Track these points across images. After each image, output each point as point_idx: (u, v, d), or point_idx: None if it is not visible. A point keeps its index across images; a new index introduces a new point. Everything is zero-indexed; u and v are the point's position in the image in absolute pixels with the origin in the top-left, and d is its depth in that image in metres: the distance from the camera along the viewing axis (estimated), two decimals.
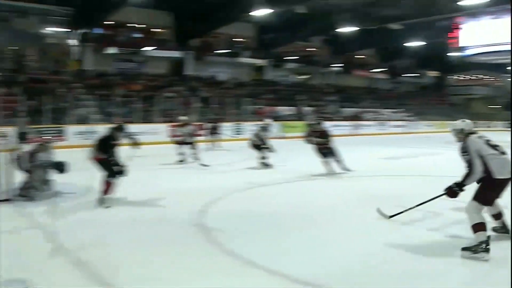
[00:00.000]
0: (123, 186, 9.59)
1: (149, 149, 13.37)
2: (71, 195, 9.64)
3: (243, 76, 37.28)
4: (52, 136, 20.93)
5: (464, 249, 5.76)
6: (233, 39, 37.13)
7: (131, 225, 7.34)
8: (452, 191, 6.07)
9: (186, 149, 15.15)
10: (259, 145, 14.36)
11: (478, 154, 5.80)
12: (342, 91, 41.94)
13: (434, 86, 53.66)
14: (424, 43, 37.47)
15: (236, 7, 28.61)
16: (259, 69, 37.91)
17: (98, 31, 30.46)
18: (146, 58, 32.43)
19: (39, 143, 10.09)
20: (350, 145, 19.55)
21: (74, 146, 20.80)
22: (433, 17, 30.19)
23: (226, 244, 6.19)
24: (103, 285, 4.93)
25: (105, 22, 30.40)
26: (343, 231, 6.98)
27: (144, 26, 33.40)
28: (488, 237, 5.69)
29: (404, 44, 39.09)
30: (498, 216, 6.44)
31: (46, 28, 29.43)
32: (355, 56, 45.58)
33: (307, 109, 33.79)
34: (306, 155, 13.22)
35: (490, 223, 6.33)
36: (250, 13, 28.25)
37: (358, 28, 32.35)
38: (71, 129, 22.50)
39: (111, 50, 30.26)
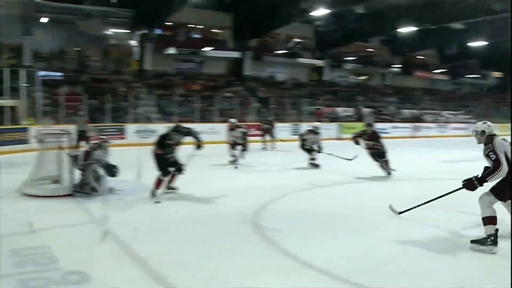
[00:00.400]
0: (181, 184, 9.81)
1: (208, 149, 13.34)
2: (127, 192, 9.75)
3: (301, 77, 36.95)
4: (112, 134, 21.23)
5: (473, 241, 5.96)
6: (292, 40, 36.85)
7: (188, 222, 7.34)
8: (472, 183, 6.03)
9: (238, 150, 15.01)
10: (307, 146, 14.32)
11: (505, 155, 5.91)
12: (401, 92, 40.99)
13: (498, 87, 51.72)
14: (487, 42, 36.04)
15: (294, 7, 28.34)
16: (317, 69, 37.47)
17: (158, 32, 30.74)
18: (205, 58, 32.56)
19: (96, 141, 10.16)
20: (408, 147, 19.05)
21: (133, 144, 21.06)
22: (496, 15, 29.00)
23: (281, 244, 6.08)
24: (159, 281, 4.90)
25: (164, 23, 30.66)
26: (396, 234, 6.70)
27: (203, 26, 33.54)
28: (496, 230, 5.83)
29: (467, 44, 37.74)
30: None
31: (108, 30, 29.99)
32: (415, 57, 44.44)
33: (365, 110, 33.16)
34: (364, 157, 12.87)
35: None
36: (308, 13, 27.95)
37: (418, 28, 31.48)
38: (131, 128, 22.75)
39: (171, 51, 30.51)
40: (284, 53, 35.62)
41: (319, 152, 14.29)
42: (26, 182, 9.88)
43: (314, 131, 14.67)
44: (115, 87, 27.03)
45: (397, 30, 32.09)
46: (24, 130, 19.08)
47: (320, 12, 26.80)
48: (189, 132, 10.08)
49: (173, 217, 7.74)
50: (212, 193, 9.62)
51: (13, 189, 9.73)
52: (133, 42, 30.51)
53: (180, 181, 10.17)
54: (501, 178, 5.91)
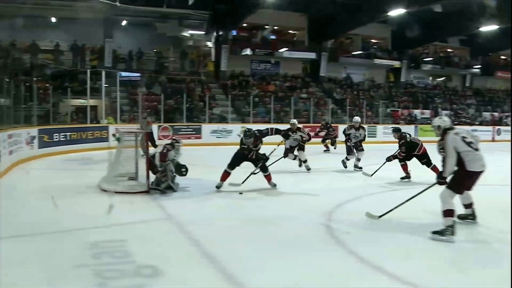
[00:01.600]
0: (253, 185, 9.98)
1: (282, 149, 13.29)
2: (202, 190, 9.81)
3: (378, 78, 36.25)
4: (188, 134, 21.54)
5: (433, 232, 6.41)
6: (368, 40, 36.22)
7: (259, 223, 7.28)
8: (439, 182, 6.74)
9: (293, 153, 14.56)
10: (351, 144, 14.05)
11: (455, 150, 6.45)
12: (482, 94, 39.47)
13: None
14: None
15: (371, 8, 27.81)
16: (394, 70, 36.61)
17: (234, 33, 30.95)
18: (281, 59, 32.46)
19: (169, 142, 10.35)
20: (489, 152, 18.21)
21: (209, 144, 21.30)
22: None
23: (353, 247, 5.89)
24: (228, 279, 4.87)
25: (241, 25, 30.84)
26: (475, 240, 6.54)
27: (279, 27, 33.49)
28: (454, 221, 6.39)
29: None
30: (469, 205, 7.25)
31: (185, 31, 30.47)
32: (497, 57, 42.56)
33: (444, 112, 32.13)
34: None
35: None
36: (385, 14, 27.35)
37: (500, 27, 30.10)
38: (207, 128, 23.00)
39: (247, 52, 30.61)
40: (361, 54, 35.05)
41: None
42: (104, 178, 10.13)
43: (355, 126, 14.33)
44: (191, 87, 27.41)
45: (478, 29, 30.86)
46: (104, 128, 19.63)
47: (397, 12, 26.14)
48: (255, 135, 10.38)
49: (245, 216, 7.70)
50: (285, 195, 9.63)
51: (93, 184, 10.05)
52: (210, 44, 30.84)
53: (252, 183, 10.18)
54: (456, 174, 6.57)
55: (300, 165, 13.64)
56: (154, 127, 21.41)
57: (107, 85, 22.33)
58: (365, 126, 13.23)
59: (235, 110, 26.42)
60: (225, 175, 9.91)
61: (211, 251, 5.66)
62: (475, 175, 6.55)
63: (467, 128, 10.84)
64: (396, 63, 35.55)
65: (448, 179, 6.60)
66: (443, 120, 7.04)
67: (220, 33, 29.70)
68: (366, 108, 29.87)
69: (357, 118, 14.76)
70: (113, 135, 13.99)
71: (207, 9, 27.37)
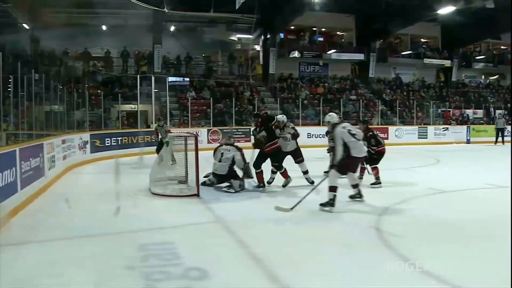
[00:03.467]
0: (303, 186, 10.01)
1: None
2: (249, 193, 9.82)
3: (428, 78, 35.55)
4: (237, 137, 21.60)
5: (320, 204, 8.08)
6: (418, 40, 35.57)
7: (308, 224, 7.23)
8: (331, 166, 8.37)
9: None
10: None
11: (342, 140, 8.11)
12: None
13: None
14: None
15: (419, 6, 27.30)
16: (445, 70, 35.83)
17: (281, 36, 30.94)
18: (329, 61, 32.26)
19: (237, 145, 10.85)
20: None
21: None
22: None
23: (402, 250, 5.75)
24: (275, 281, 4.82)
25: (288, 27, 30.81)
26: None
27: (326, 29, 33.30)
28: (335, 196, 8.02)
29: None
30: (355, 186, 8.78)
31: (233, 35, 30.63)
32: None
33: (498, 112, 31.26)
34: (496, 163, 11.94)
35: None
36: (434, 12, 26.81)
37: None
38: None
39: (295, 54, 30.54)
40: (410, 53, 34.48)
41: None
42: (154, 181, 10.23)
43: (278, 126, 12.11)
44: (240, 91, 27.52)
45: None
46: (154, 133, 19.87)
47: (447, 9, 25.59)
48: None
49: (294, 219, 7.57)
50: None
51: (143, 188, 10.15)
52: (258, 47, 30.91)
53: (301, 184, 10.13)
54: (342, 159, 8.12)
55: (284, 185, 10.77)
56: (204, 131, 21.59)
57: (156, 90, 22.64)
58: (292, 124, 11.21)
59: (284, 113, 26.34)
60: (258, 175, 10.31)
61: (259, 253, 5.64)
62: (357, 160, 8.47)
63: None
64: (447, 62, 34.79)
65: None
66: (332, 116, 8.76)
67: (268, 36, 29.73)
68: (417, 109, 29.36)
69: (279, 116, 11.61)
70: (162, 138, 14.16)
71: (254, 13, 27.42)
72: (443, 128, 28.20)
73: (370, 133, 11.10)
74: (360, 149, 8.28)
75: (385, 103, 30.28)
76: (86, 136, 16.01)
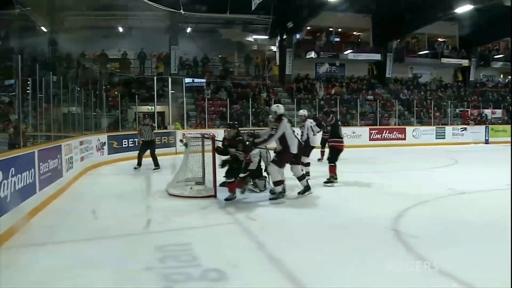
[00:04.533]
0: (320, 189, 9.94)
1: (350, 152, 13.06)
2: (266, 195, 9.71)
3: (446, 77, 35.25)
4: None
5: (271, 198, 8.98)
6: (435, 39, 35.28)
7: (326, 227, 7.16)
8: (248, 146, 9.09)
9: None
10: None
11: (283, 133, 8.75)
12: None
13: None
14: None
15: (437, 6, 27.09)
16: (463, 69, 35.50)
17: (298, 36, 30.88)
18: (346, 61, 32.15)
19: None
20: None
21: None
22: None
23: (422, 252, 5.67)
24: (294, 283, 4.80)
25: (304, 28, 30.73)
26: None
27: (343, 29, 33.18)
28: (283, 188, 9.03)
29: None
30: (301, 178, 9.40)
31: (249, 36, 30.64)
32: None
33: None
34: None
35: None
36: (452, 11, 26.58)
37: None
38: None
39: (311, 55, 30.47)
40: (427, 53, 34.23)
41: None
42: (172, 183, 10.24)
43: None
44: (256, 92, 27.50)
45: None
46: (171, 134, 19.92)
47: (465, 8, 25.36)
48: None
49: (312, 221, 7.58)
50: (351, 199, 9.46)
51: (161, 189, 10.17)
52: (274, 48, 30.89)
53: (319, 186, 10.09)
54: (280, 153, 8.92)
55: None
56: (221, 132, 21.57)
57: (173, 91, 22.70)
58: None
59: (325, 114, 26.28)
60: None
61: (278, 255, 5.60)
62: (292, 155, 8.97)
63: None
64: (465, 62, 34.45)
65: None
66: (280, 107, 9.16)
67: (284, 37, 29.70)
68: (434, 109, 29.16)
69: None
70: (180, 140, 14.15)
71: (271, 14, 27.41)
72: (461, 128, 27.97)
73: (333, 122, 11.79)
74: (296, 146, 8.97)
75: (402, 103, 30.08)
76: (103, 137, 16.08)
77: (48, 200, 8.79)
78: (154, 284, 4.73)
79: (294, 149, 8.88)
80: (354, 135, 24.90)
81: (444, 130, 27.38)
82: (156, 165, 14.35)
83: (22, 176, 7.02)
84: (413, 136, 26.24)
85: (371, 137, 25.51)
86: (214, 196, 9.38)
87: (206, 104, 23.73)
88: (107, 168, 14.44)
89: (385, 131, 25.97)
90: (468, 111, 30.66)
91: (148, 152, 14.46)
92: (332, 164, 11.07)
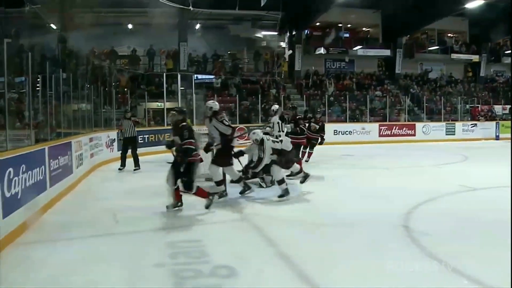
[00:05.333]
0: (330, 184, 10.18)
1: (359, 149, 13.04)
2: (276, 191, 9.67)
3: (456, 73, 35.06)
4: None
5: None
6: (445, 35, 35.09)
7: (336, 224, 7.10)
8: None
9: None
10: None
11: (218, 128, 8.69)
12: None
13: None
14: None
15: (447, 1, 26.95)
16: (473, 65, 35.29)
17: (307, 32, 30.83)
18: (355, 57, 32.07)
19: None
20: None
21: None
22: None
23: (432, 249, 5.65)
24: (304, 280, 4.78)
25: (313, 24, 30.67)
26: None
27: (352, 25, 33.08)
28: (225, 188, 9.04)
29: None
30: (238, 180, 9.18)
31: (258, 33, 30.59)
32: None
33: None
34: None
35: None
36: (462, 6, 26.43)
37: None
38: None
39: (320, 51, 30.41)
40: (437, 49, 34.07)
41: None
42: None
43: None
44: (266, 88, 27.50)
45: None
46: None
47: (475, 3, 25.22)
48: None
49: (322, 218, 7.56)
50: (361, 196, 9.41)
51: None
52: (283, 44, 30.84)
53: (328, 182, 10.05)
54: (220, 152, 8.87)
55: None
56: None
57: (182, 88, 22.71)
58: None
59: (311, 110, 26.26)
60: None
61: (288, 252, 5.60)
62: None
63: None
64: (475, 57, 34.26)
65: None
66: (215, 104, 9.00)
67: (293, 33, 29.64)
68: (444, 105, 29.01)
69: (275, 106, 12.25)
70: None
71: (280, 10, 27.39)
72: (471, 124, 27.84)
73: (293, 121, 12.12)
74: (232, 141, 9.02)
75: (412, 99, 29.97)
76: (113, 134, 16.10)
77: (59, 196, 8.83)
78: (164, 280, 4.74)
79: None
80: (364, 131, 24.86)
81: (454, 126, 27.26)
82: (137, 165, 13.58)
83: (33, 173, 7.06)
84: (423, 132, 26.16)
85: (381, 133, 25.44)
86: (223, 192, 9.35)
87: (216, 100, 23.65)
88: (117, 165, 14.46)
89: (394, 127, 25.91)
90: (478, 107, 30.49)
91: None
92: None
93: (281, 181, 8.86)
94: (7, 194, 5.88)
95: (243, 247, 5.90)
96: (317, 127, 14.41)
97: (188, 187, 7.82)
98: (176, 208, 7.95)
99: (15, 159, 6.31)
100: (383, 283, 4.66)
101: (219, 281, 4.71)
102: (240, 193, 9.21)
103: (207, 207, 7.95)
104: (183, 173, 7.74)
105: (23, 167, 6.55)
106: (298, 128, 12.00)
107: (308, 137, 14.02)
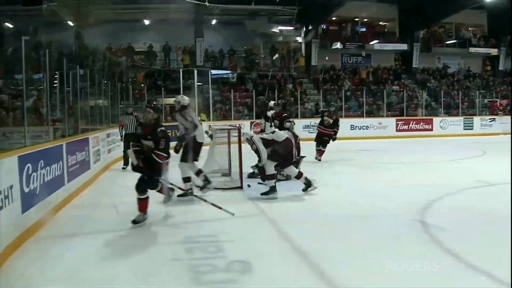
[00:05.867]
0: (346, 180, 10.21)
1: (375, 144, 12.97)
2: (292, 186, 9.68)
3: (474, 67, 34.69)
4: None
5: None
6: (463, 28, 34.72)
7: (353, 219, 7.10)
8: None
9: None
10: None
11: (193, 121, 8.68)
12: None
13: None
14: None
15: None
16: (492, 58, 34.90)
17: (323, 27, 30.72)
18: (372, 51, 31.87)
19: None
20: None
21: (301, 139, 21.21)
22: None
23: (449, 245, 5.60)
24: (320, 276, 4.76)
25: (330, 18, 30.53)
26: None
27: (369, 19, 32.88)
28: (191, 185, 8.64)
29: None
30: (198, 172, 8.78)
31: (275, 27, 30.56)
32: None
33: None
34: None
35: None
36: None
37: None
38: (299, 123, 22.89)
39: (337, 45, 30.28)
40: (455, 42, 33.74)
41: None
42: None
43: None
44: (282, 83, 27.47)
45: None
46: None
47: None
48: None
49: (337, 213, 7.54)
50: (376, 191, 9.37)
51: None
52: (299, 39, 30.76)
53: (344, 178, 10.04)
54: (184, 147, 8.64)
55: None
56: (247, 124, 21.61)
57: (200, 83, 22.78)
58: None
59: (327, 105, 26.21)
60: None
61: (303, 247, 5.60)
62: (201, 145, 8.77)
63: None
64: (493, 51, 33.87)
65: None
66: (184, 98, 9.01)
67: (310, 27, 29.55)
68: (462, 99, 28.75)
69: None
70: (206, 132, 14.14)
71: (296, 4, 27.34)
72: (490, 118, 27.57)
73: (278, 118, 11.67)
74: (203, 135, 8.92)
75: (429, 93, 29.75)
76: None
77: (76, 192, 8.91)
78: (181, 274, 4.77)
79: (200, 138, 8.74)
80: (381, 126, 24.73)
81: (472, 120, 27.00)
82: (126, 164, 12.43)
83: (50, 169, 7.12)
84: (440, 127, 25.97)
85: (398, 128, 25.30)
86: (240, 187, 9.43)
87: (232, 96, 23.73)
88: None
89: (412, 122, 25.75)
90: (497, 101, 30.14)
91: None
92: None
93: (270, 177, 8.63)
94: (26, 190, 5.95)
95: (258, 242, 5.92)
96: (331, 121, 13.76)
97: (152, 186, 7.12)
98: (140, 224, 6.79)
99: (33, 155, 6.38)
100: (400, 280, 4.62)
101: (234, 276, 4.72)
102: (200, 188, 8.74)
103: (165, 202, 7.84)
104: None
105: (41, 163, 6.61)
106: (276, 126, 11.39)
107: (320, 133, 13.88)
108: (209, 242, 5.84)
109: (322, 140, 13.79)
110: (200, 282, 4.63)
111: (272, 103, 12.36)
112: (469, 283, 4.56)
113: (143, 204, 6.88)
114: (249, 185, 9.48)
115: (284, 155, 8.79)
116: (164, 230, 6.57)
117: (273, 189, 8.53)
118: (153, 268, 5.00)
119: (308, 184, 8.87)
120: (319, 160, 13.62)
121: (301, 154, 10.74)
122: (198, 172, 8.73)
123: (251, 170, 10.58)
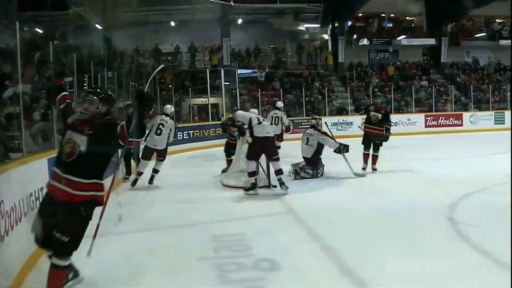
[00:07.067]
0: (373, 176, 10.38)
1: (405, 140, 12.84)
2: (320, 183, 9.69)
3: (504, 60, 34.04)
4: (308, 127, 21.48)
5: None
6: (492, 21, 34.17)
7: (379, 215, 7.11)
8: None
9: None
10: None
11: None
12: None
13: None
14: None
15: None
16: None
17: (349, 23, 30.56)
18: (399, 47, 31.59)
19: None
20: None
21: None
22: None
23: (478, 241, 5.56)
24: (346, 273, 4.77)
25: (356, 15, 30.35)
26: None
27: (395, 15, 32.57)
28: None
29: None
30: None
31: (301, 25, 30.50)
32: None
33: None
34: None
35: None
36: None
37: None
38: (327, 121, 22.82)
39: (364, 42, 30.09)
40: (484, 35, 33.22)
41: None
42: (226, 174, 10.36)
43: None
44: (310, 81, 27.40)
45: None
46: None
47: None
48: None
49: (366, 210, 7.52)
50: (404, 187, 9.35)
51: (215, 180, 10.27)
52: (326, 36, 30.66)
53: (372, 174, 10.00)
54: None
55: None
56: None
57: (227, 83, 22.87)
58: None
59: (355, 102, 26.07)
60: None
61: (332, 244, 5.60)
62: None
63: None
64: None
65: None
66: (170, 107, 10.45)
67: (336, 24, 29.42)
68: (493, 93, 28.29)
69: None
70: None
71: (321, 2, 27.25)
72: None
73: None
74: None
75: (458, 88, 29.34)
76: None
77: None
78: (208, 273, 4.81)
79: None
80: (409, 122, 24.47)
81: (503, 115, 26.47)
82: (129, 173, 11.31)
83: None
84: (470, 122, 25.56)
85: (427, 124, 25.00)
86: (268, 186, 9.42)
87: (260, 95, 23.74)
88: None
89: (441, 117, 25.41)
90: None
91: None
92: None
93: (251, 174, 8.82)
94: None
95: (286, 240, 5.92)
96: (379, 116, 11.06)
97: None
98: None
99: None
100: (426, 278, 4.56)
101: (261, 274, 4.74)
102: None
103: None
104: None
105: None
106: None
107: (368, 133, 11.28)
108: (236, 241, 5.86)
109: (374, 144, 11.09)
110: (227, 280, 4.65)
111: (279, 103, 12.58)
112: (498, 280, 4.48)
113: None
114: (274, 186, 9.46)
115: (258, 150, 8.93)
116: (192, 229, 6.63)
117: (253, 186, 8.78)
118: (179, 266, 5.06)
119: (252, 187, 8.84)
120: (374, 169, 11.09)
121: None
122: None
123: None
